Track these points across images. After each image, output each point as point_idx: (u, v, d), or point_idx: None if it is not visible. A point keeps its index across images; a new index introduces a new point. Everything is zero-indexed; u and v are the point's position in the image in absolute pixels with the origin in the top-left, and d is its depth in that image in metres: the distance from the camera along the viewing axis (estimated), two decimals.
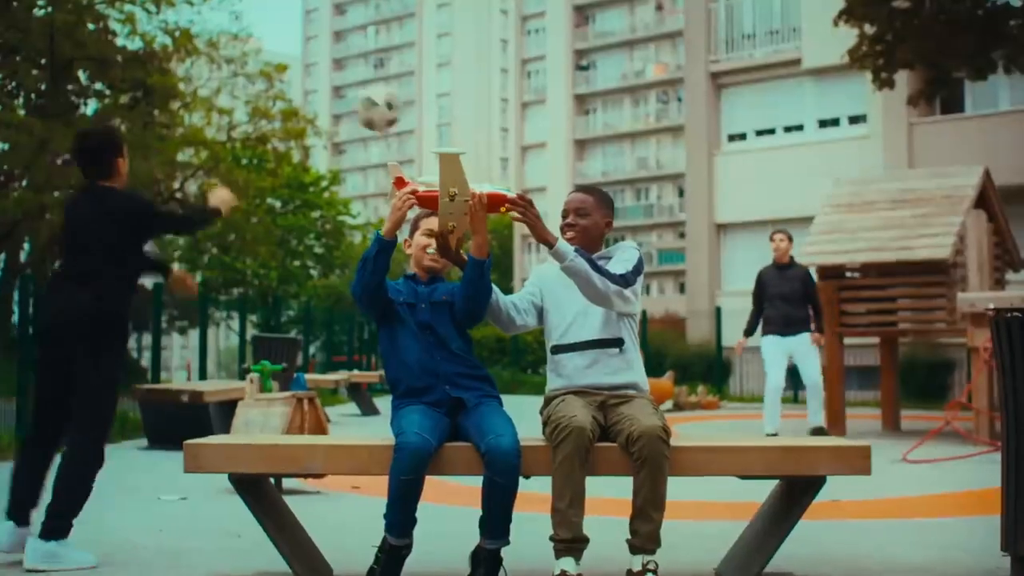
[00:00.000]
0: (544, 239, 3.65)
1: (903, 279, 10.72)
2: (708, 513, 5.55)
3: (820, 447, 3.70)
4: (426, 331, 3.85)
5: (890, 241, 10.80)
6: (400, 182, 3.76)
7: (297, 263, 41.81)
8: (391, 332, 3.88)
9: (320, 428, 6.44)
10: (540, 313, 4.02)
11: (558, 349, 3.93)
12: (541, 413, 3.93)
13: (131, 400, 9.44)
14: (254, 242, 30.21)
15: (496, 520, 3.62)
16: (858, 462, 3.69)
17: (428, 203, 3.70)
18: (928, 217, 10.79)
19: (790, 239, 9.72)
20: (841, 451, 3.70)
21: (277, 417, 6.30)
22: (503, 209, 3.66)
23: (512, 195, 3.68)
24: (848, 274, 11.20)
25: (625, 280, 3.80)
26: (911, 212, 10.99)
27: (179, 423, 8.82)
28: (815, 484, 3.70)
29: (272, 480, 4.00)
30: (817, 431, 9.37)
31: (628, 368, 3.89)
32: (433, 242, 3.89)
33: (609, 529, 4.06)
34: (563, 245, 3.70)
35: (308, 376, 13.73)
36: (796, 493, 3.77)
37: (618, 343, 3.89)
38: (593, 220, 3.96)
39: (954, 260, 10.35)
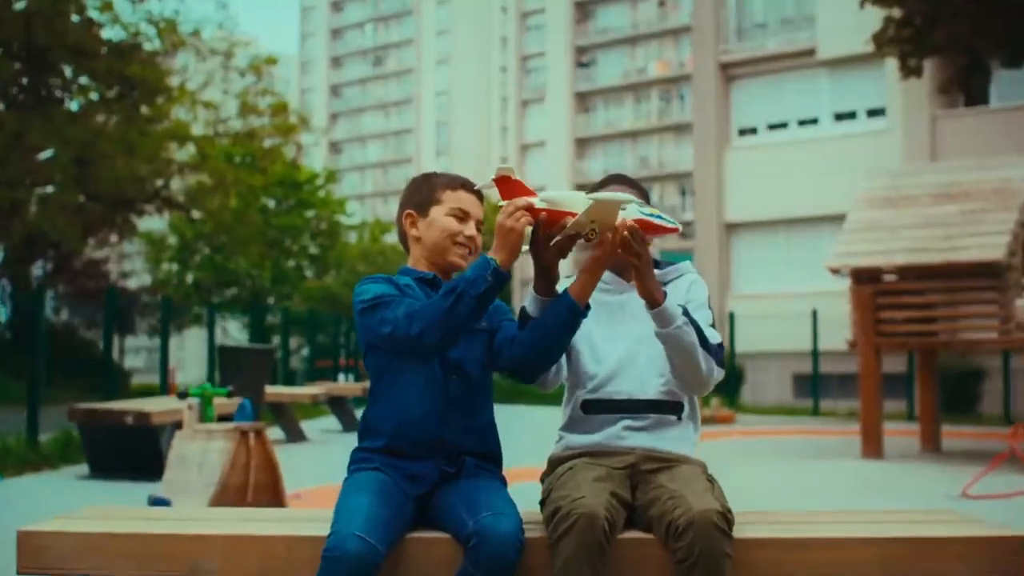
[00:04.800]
0: (652, 294, 2.58)
1: (948, 283, 9.55)
2: None
3: (955, 539, 2.52)
4: (452, 374, 2.64)
5: (934, 240, 9.67)
6: (507, 183, 2.52)
7: (292, 263, 40.66)
8: (390, 362, 2.65)
9: (269, 466, 5.28)
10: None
11: (594, 406, 2.76)
12: (542, 482, 2.76)
13: (68, 420, 8.22)
14: (245, 241, 29.04)
15: None
16: (1008, 558, 2.52)
17: (549, 225, 2.53)
18: (977, 214, 9.64)
19: None
20: (985, 544, 2.52)
21: (216, 453, 5.14)
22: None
23: (672, 224, 2.54)
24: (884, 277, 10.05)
25: (722, 352, 2.71)
26: (957, 208, 9.84)
27: (125, 448, 7.70)
28: None
29: None
30: None
31: (685, 440, 2.75)
32: (467, 228, 2.69)
33: None
34: (672, 305, 2.60)
35: (285, 390, 12.60)
36: None
37: (678, 409, 2.73)
38: None
39: (1008, 262, 9.19)
